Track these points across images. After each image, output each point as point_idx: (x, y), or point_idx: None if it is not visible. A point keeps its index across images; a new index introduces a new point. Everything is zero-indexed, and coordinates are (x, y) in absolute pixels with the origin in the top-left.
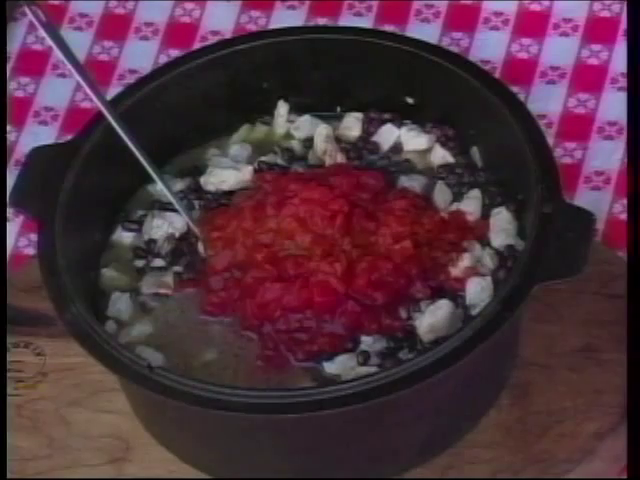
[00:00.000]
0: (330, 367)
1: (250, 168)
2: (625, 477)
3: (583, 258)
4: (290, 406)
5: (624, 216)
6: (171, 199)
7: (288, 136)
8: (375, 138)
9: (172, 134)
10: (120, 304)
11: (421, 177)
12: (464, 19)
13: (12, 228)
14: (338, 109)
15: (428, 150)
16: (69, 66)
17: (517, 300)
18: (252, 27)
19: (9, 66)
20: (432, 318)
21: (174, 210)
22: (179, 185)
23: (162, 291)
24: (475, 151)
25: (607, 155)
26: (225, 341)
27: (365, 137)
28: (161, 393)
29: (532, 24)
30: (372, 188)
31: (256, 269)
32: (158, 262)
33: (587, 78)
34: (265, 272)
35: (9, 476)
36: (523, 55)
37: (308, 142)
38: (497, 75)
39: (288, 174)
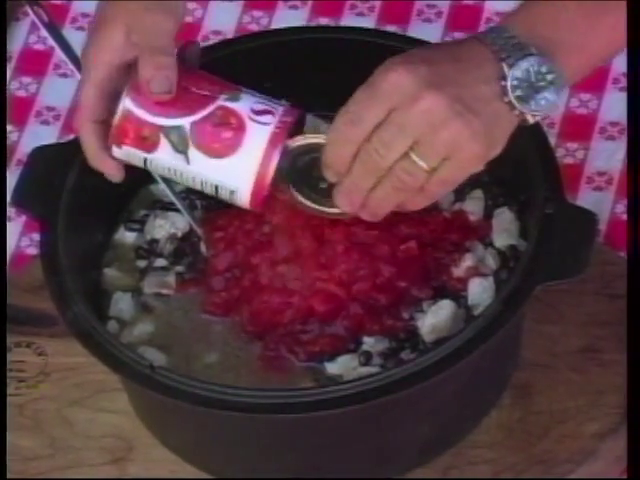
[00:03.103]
0: (332, 367)
1: None
2: (626, 478)
3: (585, 259)
4: (292, 406)
5: (626, 216)
6: (173, 199)
7: None
8: None
9: None
10: (122, 304)
11: None
12: (466, 19)
13: (14, 228)
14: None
15: None
16: (71, 66)
17: (519, 300)
18: (254, 27)
19: (11, 66)
20: (434, 318)
21: (176, 210)
22: (181, 185)
23: (164, 291)
24: None
25: (609, 155)
26: (227, 342)
27: None
28: (163, 393)
29: None
30: None
31: (254, 273)
32: (160, 262)
33: (589, 78)
34: (263, 277)
35: (10, 476)
36: None
37: None
38: None
39: None
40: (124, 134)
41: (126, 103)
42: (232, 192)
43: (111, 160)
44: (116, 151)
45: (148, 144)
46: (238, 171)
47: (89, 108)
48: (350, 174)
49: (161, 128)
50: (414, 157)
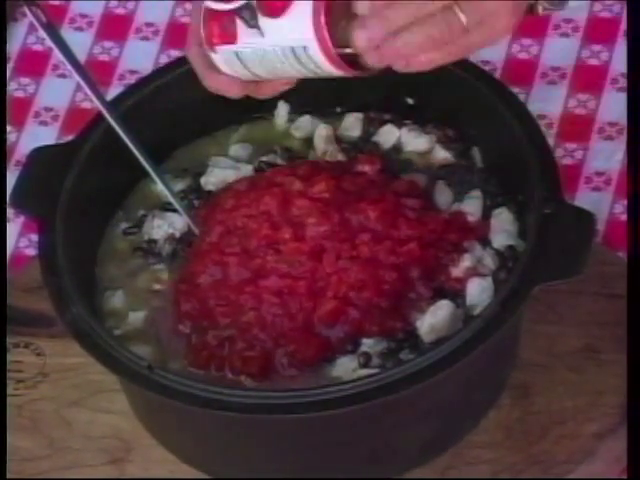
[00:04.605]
0: (331, 369)
1: (250, 168)
2: (625, 478)
3: (583, 259)
4: (291, 406)
5: (625, 217)
6: (171, 199)
7: (288, 136)
8: (375, 138)
9: (172, 134)
10: (115, 301)
11: (422, 176)
12: None
13: (13, 229)
14: (338, 109)
15: (429, 151)
16: (69, 66)
17: (517, 301)
18: None
19: (9, 66)
20: (433, 318)
21: (174, 210)
22: (179, 185)
23: (157, 287)
24: (476, 151)
25: (608, 156)
26: None
27: (365, 137)
28: (161, 393)
29: (532, 25)
30: (367, 176)
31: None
32: (158, 262)
33: (587, 78)
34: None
35: (9, 476)
36: (523, 56)
37: (308, 142)
38: (497, 76)
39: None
40: (211, 33)
41: (207, 3)
42: (305, 48)
43: (221, 75)
44: (216, 58)
45: (229, 33)
46: (298, 22)
47: (195, 32)
48: (385, 9)
49: (235, 11)
50: (457, 10)
